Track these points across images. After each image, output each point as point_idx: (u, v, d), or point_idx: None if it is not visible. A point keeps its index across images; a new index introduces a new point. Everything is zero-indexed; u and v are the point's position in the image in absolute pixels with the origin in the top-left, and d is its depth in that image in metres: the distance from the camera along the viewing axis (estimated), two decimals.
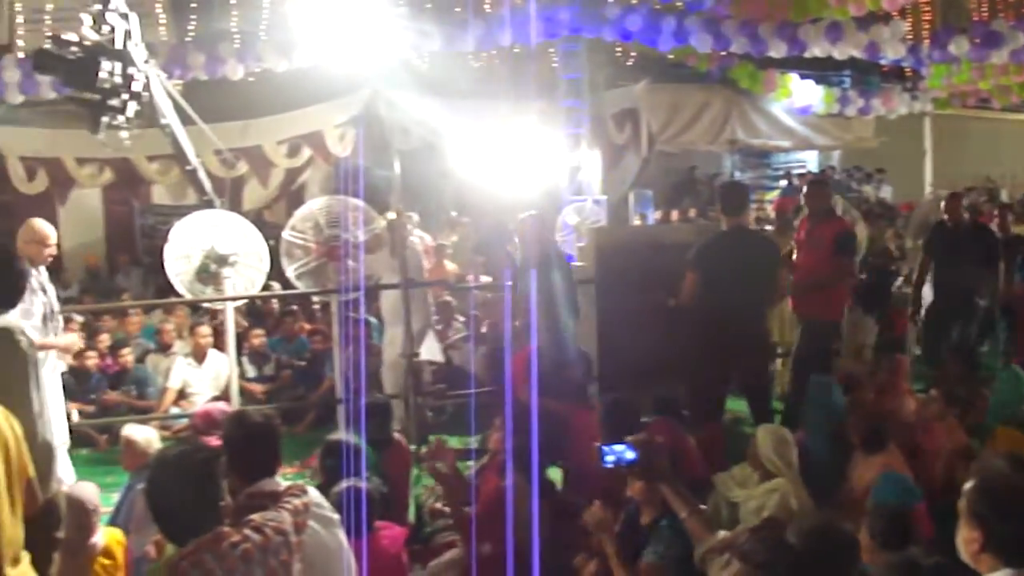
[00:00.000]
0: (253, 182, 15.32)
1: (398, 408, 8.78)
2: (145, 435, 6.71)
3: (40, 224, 7.28)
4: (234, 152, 13.43)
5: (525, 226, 8.40)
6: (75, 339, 7.80)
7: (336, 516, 4.18)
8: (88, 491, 5.58)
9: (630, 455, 4.78)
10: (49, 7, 14.88)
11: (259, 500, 3.81)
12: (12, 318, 4.90)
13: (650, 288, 8.60)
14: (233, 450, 3.98)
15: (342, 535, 4.19)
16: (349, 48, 12.58)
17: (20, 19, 15.00)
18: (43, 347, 6.10)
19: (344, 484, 5.23)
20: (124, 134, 8.30)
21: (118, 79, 7.89)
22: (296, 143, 14.84)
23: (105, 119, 8.06)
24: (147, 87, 8.49)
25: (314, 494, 4.06)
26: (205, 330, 11.02)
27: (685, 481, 4.95)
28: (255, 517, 3.63)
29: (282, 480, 4.05)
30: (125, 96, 8.05)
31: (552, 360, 7.86)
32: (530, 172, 13.29)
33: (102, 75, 7.74)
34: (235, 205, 12.28)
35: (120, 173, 14.90)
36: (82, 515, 5.41)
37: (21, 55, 14.02)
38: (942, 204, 10.67)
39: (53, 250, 7.27)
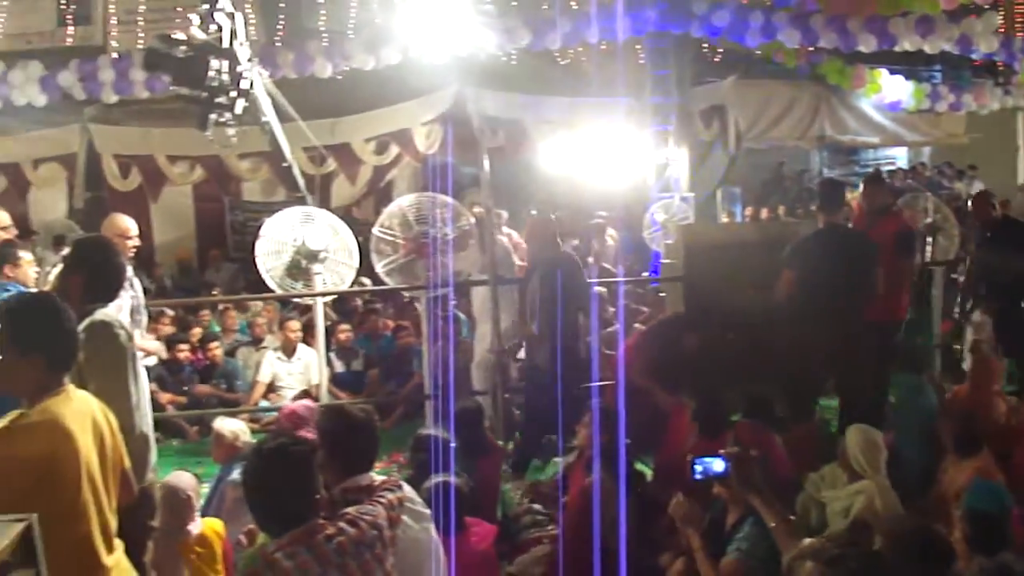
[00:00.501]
0: (341, 179, 15.43)
1: (486, 405, 8.81)
2: (236, 428, 6.86)
3: (122, 218, 7.52)
4: (323, 149, 13.54)
5: (531, 227, 8.45)
6: (160, 347, 7.93)
7: (428, 512, 4.21)
8: (185, 480, 5.73)
9: (720, 466, 4.78)
10: (142, 9, 15.10)
11: (354, 494, 3.85)
12: (110, 310, 4.96)
13: (740, 286, 8.44)
14: (331, 444, 4.04)
15: (433, 531, 4.23)
16: (436, 46, 12.66)
17: (113, 20, 15.27)
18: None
19: (434, 480, 5.26)
20: (231, 131, 8.41)
21: (226, 76, 7.97)
22: (384, 140, 14.88)
23: (213, 116, 8.17)
24: (253, 84, 8.58)
25: (408, 489, 4.08)
26: (295, 325, 11.14)
27: (773, 482, 4.91)
28: (350, 511, 3.65)
29: (376, 475, 4.08)
30: (233, 93, 8.14)
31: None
32: (617, 169, 13.29)
33: (211, 73, 7.82)
34: (324, 202, 12.35)
35: (211, 171, 15.10)
36: (178, 503, 5.54)
37: (115, 55, 14.30)
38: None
39: (136, 242, 7.48)
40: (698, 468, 4.78)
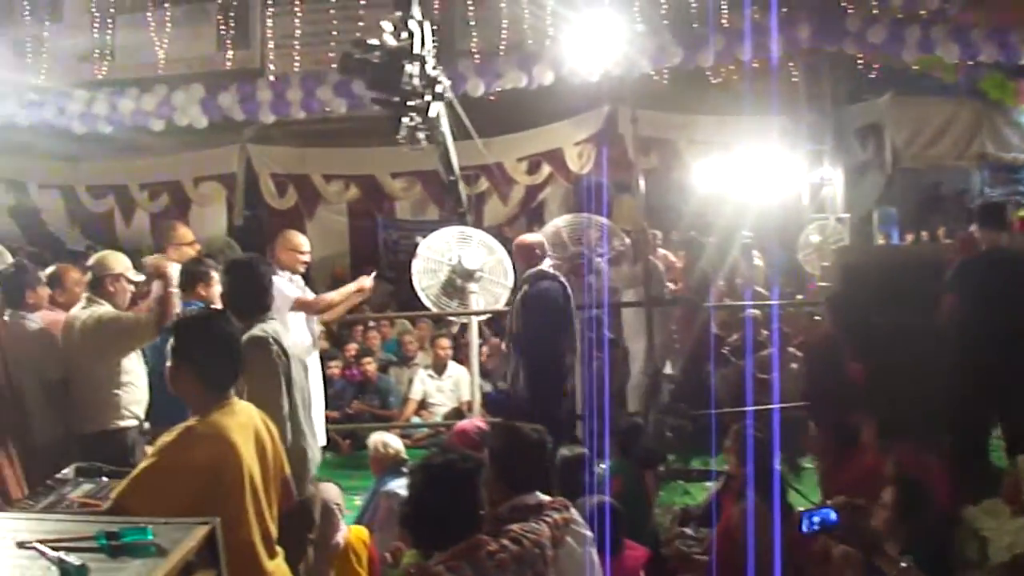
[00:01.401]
0: (494, 199, 15.54)
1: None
2: (392, 442, 7.18)
3: (295, 234, 7.98)
4: (475, 169, 13.76)
5: (516, 248, 8.32)
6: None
7: (590, 534, 4.22)
8: (331, 491, 6.02)
9: (831, 518, 4.72)
10: (298, 33, 15.46)
11: (521, 513, 3.93)
12: (268, 327, 5.15)
13: (897, 310, 8.20)
14: (501, 463, 4.14)
15: (595, 553, 4.24)
16: (589, 65, 12.66)
17: (271, 44, 15.67)
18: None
19: (591, 500, 5.27)
20: (421, 135, 8.55)
21: (418, 81, 8.11)
22: (536, 160, 14.91)
23: (406, 120, 8.31)
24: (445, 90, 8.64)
25: (574, 511, 4.14)
26: (445, 342, 11.31)
27: (931, 513, 4.86)
28: (514, 528, 3.74)
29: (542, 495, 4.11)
30: (428, 97, 8.27)
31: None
32: (771, 189, 13.14)
33: (405, 77, 7.97)
34: (476, 221, 12.45)
35: (364, 189, 15.37)
36: (325, 513, 5.76)
37: (272, 78, 14.72)
38: None
39: (307, 258, 7.89)
40: (810, 520, 4.71)
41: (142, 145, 15.00)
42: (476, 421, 7.22)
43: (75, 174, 15.73)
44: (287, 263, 7.78)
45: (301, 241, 7.91)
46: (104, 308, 6.59)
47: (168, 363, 3.90)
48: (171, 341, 3.91)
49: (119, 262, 6.85)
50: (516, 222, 15.97)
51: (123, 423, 6.57)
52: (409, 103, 8.13)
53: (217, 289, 6.82)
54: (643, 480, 7.09)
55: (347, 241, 17.09)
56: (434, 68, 8.36)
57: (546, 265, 8.06)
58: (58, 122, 14.15)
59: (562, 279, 8.01)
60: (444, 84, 8.45)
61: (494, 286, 9.46)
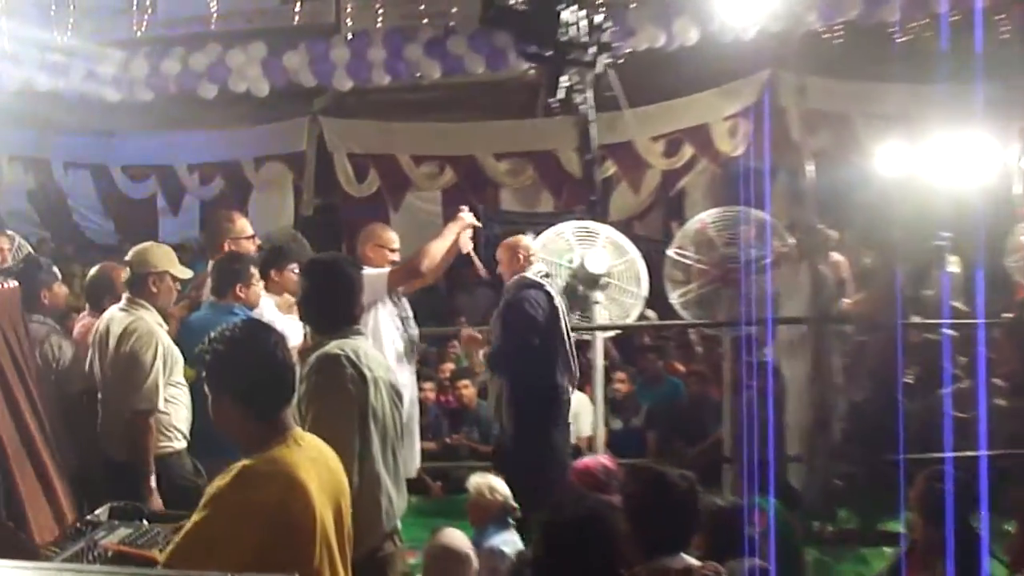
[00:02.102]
0: (622, 186, 15.45)
1: (798, 473, 9.07)
2: (498, 487, 7.11)
3: (384, 228, 8.24)
4: (600, 149, 13.46)
5: (500, 253, 8.56)
6: None
7: None
8: (458, 539, 6.13)
9: None
10: None
11: None
12: (349, 344, 5.21)
13: None
14: (640, 515, 4.19)
15: None
16: (743, 19, 12.79)
17: None
18: None
19: (746, 564, 5.27)
20: (580, 97, 8.50)
21: (581, 29, 7.97)
22: (676, 139, 14.76)
23: (564, 79, 8.24)
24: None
25: None
26: None
27: None
28: None
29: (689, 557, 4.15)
30: (593, 49, 8.15)
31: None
32: (972, 176, 12.94)
33: (562, 26, 7.81)
34: (601, 213, 12.42)
35: (463, 173, 15.36)
36: (454, 565, 5.91)
37: (350, 35, 15.04)
38: None
39: (398, 257, 8.03)
40: None
41: (191, 117, 15.21)
42: (602, 459, 7.25)
43: (109, 151, 15.94)
44: (375, 264, 7.81)
45: (392, 236, 8.07)
46: (146, 321, 6.79)
47: (208, 396, 3.94)
48: (204, 370, 3.97)
49: (163, 257, 7.01)
50: (649, 215, 15.91)
51: (170, 446, 6.76)
52: (569, 57, 7.98)
53: (258, 290, 7.23)
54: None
55: None
56: (599, 11, 8.19)
57: (533, 271, 8.29)
58: (88, 88, 14.48)
59: (549, 287, 8.25)
60: (611, 31, 8.23)
61: (623, 295, 9.55)
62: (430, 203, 16.74)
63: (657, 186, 15.50)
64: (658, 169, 15.13)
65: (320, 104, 15.50)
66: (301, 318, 5.82)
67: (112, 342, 6.74)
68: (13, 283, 6.29)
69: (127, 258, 7.04)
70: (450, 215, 13.35)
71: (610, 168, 14.81)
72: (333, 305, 5.37)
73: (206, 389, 3.93)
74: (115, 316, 6.86)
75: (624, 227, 11.50)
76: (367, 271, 6.15)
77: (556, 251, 9.57)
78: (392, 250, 8.02)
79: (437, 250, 7.91)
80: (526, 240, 8.60)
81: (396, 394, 5.42)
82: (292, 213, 16.07)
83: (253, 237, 7.93)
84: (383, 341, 7.49)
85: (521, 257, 8.36)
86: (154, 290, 6.89)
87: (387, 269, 7.76)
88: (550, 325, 8.14)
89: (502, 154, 15.04)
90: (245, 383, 3.87)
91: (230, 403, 3.87)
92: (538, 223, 10.24)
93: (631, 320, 9.72)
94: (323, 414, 4.89)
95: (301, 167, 15.57)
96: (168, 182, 16.11)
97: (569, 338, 8.24)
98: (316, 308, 5.42)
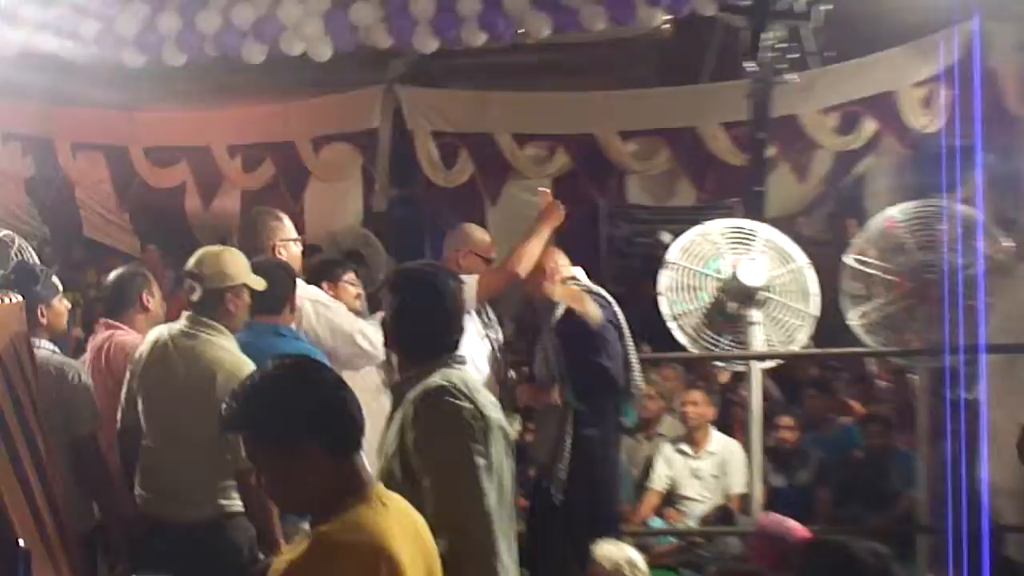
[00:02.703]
0: (783, 171, 15.03)
1: (1019, 546, 8.75)
2: (623, 557, 7.01)
3: (478, 230, 8.28)
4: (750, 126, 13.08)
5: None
6: None
7: None
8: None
9: None
10: None
11: None
12: (455, 375, 5.12)
13: None
14: None
15: None
16: None
17: None
18: None
19: None
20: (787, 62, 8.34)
21: None
22: (852, 111, 14.54)
23: (768, 35, 8.13)
24: None
25: None
26: (700, 398, 11.07)
27: None
28: None
29: None
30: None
31: None
32: None
33: None
34: (753, 209, 12.15)
35: (579, 156, 15.22)
36: None
37: None
38: None
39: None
40: None
41: (233, 85, 15.26)
42: (789, 523, 7.14)
43: (128, 128, 16.02)
44: (470, 272, 7.75)
45: (487, 239, 8.13)
46: (229, 351, 6.68)
47: (254, 449, 3.85)
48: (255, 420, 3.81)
49: (241, 267, 6.89)
50: (817, 210, 15.63)
51: (232, 504, 6.67)
52: (778, 7, 7.94)
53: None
54: None
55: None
56: None
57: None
58: (103, 49, 14.13)
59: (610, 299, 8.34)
60: None
61: (787, 314, 9.41)
62: (537, 195, 16.30)
63: (828, 172, 15.29)
64: (829, 150, 14.99)
65: (397, 70, 15.42)
66: (387, 343, 5.72)
67: (182, 375, 6.64)
68: (15, 297, 6.22)
69: (192, 268, 6.84)
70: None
71: (767, 149, 14.35)
72: (433, 328, 5.27)
73: (247, 440, 3.85)
74: (176, 341, 6.76)
75: (785, 226, 11.34)
76: None
77: (700, 257, 9.43)
78: (489, 258, 8.05)
79: (533, 251, 7.91)
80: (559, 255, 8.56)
81: (507, 439, 5.27)
82: (360, 208, 16.06)
83: (298, 240, 7.98)
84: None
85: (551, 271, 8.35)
86: (231, 309, 6.77)
87: (475, 276, 7.66)
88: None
89: (630, 132, 14.83)
90: (315, 422, 3.75)
91: (288, 451, 3.73)
92: (678, 220, 10.18)
93: (798, 346, 9.56)
94: (446, 464, 4.81)
95: (372, 149, 15.53)
96: (202, 167, 16.10)
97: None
98: (411, 332, 5.30)
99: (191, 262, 6.82)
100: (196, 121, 15.89)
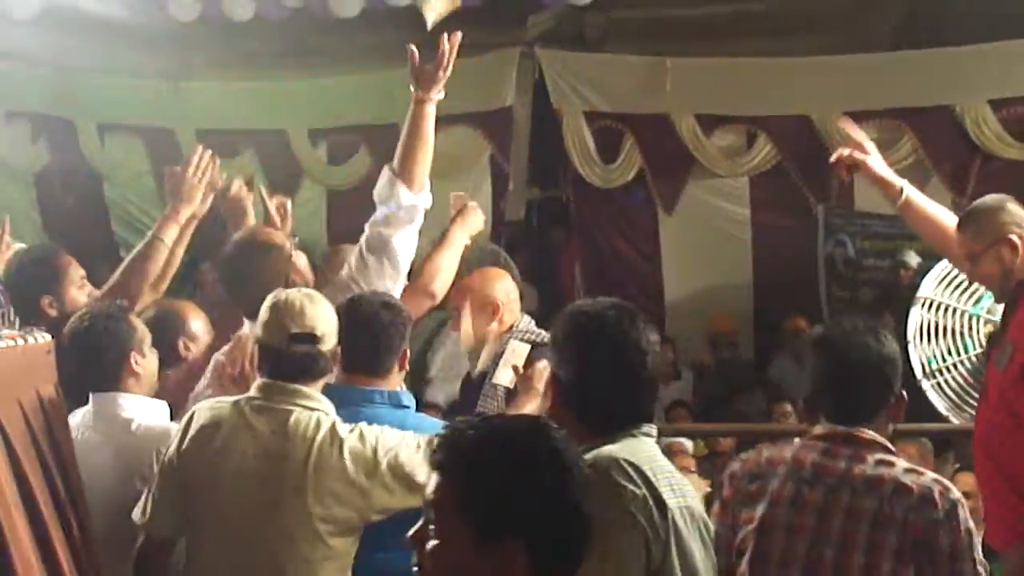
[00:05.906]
0: None
1: None
2: None
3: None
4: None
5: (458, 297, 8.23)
6: None
7: None
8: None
9: None
10: None
11: None
12: (628, 448, 4.87)
13: None
14: None
15: None
16: None
17: None
18: None
19: None
20: None
21: None
22: None
23: None
24: None
25: None
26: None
27: None
28: None
29: None
30: None
31: None
32: None
33: None
34: None
35: (788, 147, 14.77)
36: None
37: None
38: None
39: None
40: None
41: (314, 49, 14.96)
42: None
43: (175, 105, 15.65)
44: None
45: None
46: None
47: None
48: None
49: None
50: None
51: None
52: None
53: None
54: None
55: (749, 259, 16.09)
56: None
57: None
58: (141, 4, 13.86)
59: None
60: None
61: None
62: (730, 199, 15.90)
63: None
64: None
65: (539, 28, 14.96)
66: (555, 409, 5.29)
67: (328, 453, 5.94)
68: (43, 337, 5.69)
69: (310, 325, 6.08)
70: (762, 219, 13.23)
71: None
72: (616, 390, 4.99)
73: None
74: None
75: None
76: None
77: (965, 290, 8.63)
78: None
79: (447, 263, 7.70)
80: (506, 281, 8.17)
81: (707, 530, 5.15)
82: (490, 213, 14.83)
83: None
84: None
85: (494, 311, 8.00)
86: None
87: None
88: None
89: (857, 113, 13.64)
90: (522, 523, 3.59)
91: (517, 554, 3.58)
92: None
93: None
94: (602, 554, 4.50)
95: (505, 135, 15.05)
96: (273, 156, 15.55)
97: None
98: (586, 393, 5.01)
99: (306, 319, 5.99)
100: (265, 97, 15.56)
